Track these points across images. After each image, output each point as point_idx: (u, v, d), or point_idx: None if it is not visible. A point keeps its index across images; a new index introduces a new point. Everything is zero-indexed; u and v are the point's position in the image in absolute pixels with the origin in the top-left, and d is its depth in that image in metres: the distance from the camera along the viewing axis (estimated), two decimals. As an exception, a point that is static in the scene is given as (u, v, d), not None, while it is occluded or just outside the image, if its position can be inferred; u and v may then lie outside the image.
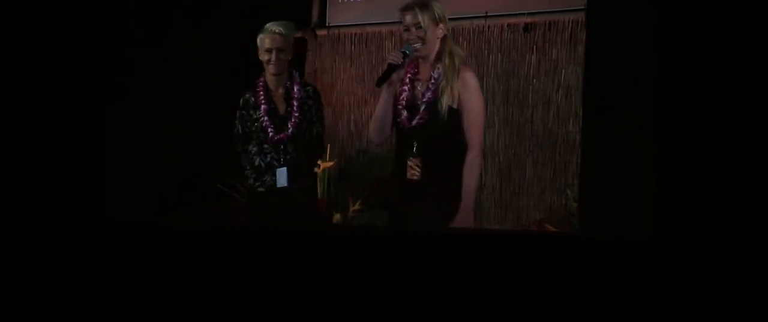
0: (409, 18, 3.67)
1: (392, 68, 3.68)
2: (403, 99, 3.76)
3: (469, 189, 3.79)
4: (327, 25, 4.95)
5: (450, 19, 3.97)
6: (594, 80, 3.99)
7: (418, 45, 3.68)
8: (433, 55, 3.70)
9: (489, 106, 4.60)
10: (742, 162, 3.64)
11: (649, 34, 3.79)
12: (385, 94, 3.75)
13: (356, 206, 4.62)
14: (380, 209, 4.61)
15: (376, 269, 3.95)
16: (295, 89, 4.02)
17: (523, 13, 4.52)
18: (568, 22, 4.43)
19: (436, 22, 3.67)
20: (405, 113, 3.75)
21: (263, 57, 4.06)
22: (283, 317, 4.04)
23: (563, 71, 4.48)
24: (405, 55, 3.65)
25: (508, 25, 4.64)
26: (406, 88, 3.75)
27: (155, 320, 4.16)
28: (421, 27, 3.66)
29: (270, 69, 3.96)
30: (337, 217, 4.62)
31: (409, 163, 3.80)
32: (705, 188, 3.71)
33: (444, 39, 3.69)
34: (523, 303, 3.82)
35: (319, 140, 4.17)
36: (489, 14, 4.59)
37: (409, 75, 3.77)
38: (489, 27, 4.66)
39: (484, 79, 4.64)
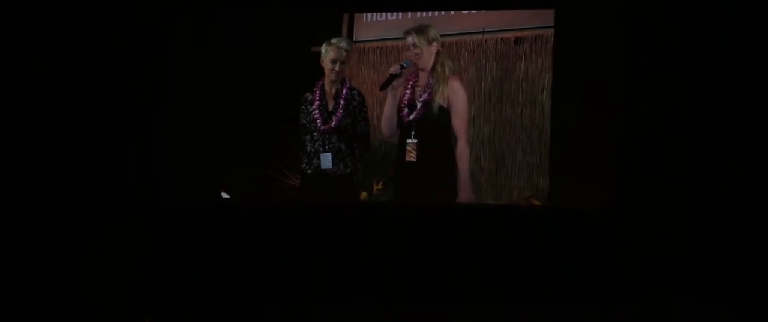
0: (409, 39, 4.37)
1: (392, 77, 4.37)
2: (405, 100, 4.43)
3: (464, 170, 4.46)
4: (354, 40, 5.01)
5: (455, 35, 4.57)
6: (560, 81, 4.62)
7: (414, 60, 4.33)
8: (429, 67, 4.37)
9: (486, 105, 4.81)
10: (684, 148, 4.37)
11: (605, 44, 4.49)
12: (390, 98, 4.39)
13: (379, 186, 4.91)
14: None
15: (396, 236, 4.73)
16: (344, 91, 4.51)
17: (514, 29, 4.79)
18: (550, 36, 4.69)
19: (430, 42, 4.35)
20: (406, 110, 4.42)
21: (327, 65, 4.50)
22: (320, 269, 4.74)
23: (546, 76, 4.73)
24: (402, 68, 4.31)
25: (502, 39, 4.82)
26: (407, 91, 4.45)
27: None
28: (417, 46, 4.35)
29: (331, 76, 4.48)
30: (364, 195, 4.90)
31: (408, 147, 4.44)
32: (655, 167, 4.44)
33: (437, 54, 4.35)
34: (514, 260, 4.60)
35: (364, 136, 4.61)
36: (486, 30, 4.81)
37: (410, 82, 4.42)
38: (486, 40, 4.83)
39: (482, 83, 4.81)
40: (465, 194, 4.54)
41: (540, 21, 4.77)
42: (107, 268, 4.65)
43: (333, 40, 4.59)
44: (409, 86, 4.54)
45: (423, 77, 4.53)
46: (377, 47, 5.02)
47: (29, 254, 4.45)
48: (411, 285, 4.66)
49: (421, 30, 4.45)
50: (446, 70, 4.50)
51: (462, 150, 4.50)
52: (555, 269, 4.51)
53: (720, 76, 4.29)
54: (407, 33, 4.48)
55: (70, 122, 4.77)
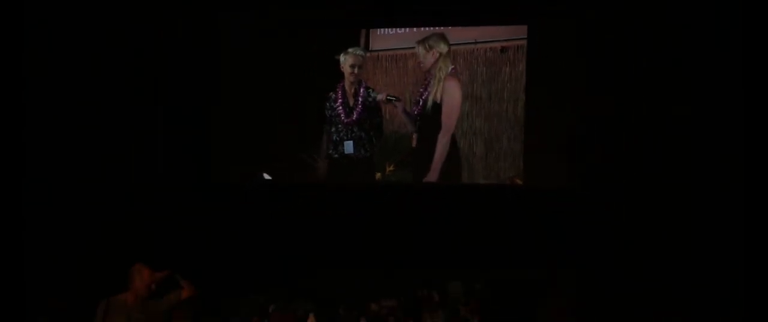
0: (417, 48, 5.23)
1: (389, 101, 5.18)
2: (414, 98, 5.25)
3: (438, 156, 5.25)
4: (370, 49, 5.58)
5: (453, 45, 5.25)
6: (532, 81, 5.33)
7: (420, 66, 5.11)
8: (430, 68, 5.22)
9: (478, 102, 5.42)
10: (633, 137, 5.08)
11: (568, 51, 5.17)
12: (407, 98, 5.22)
13: (391, 168, 5.52)
14: (405, 169, 5.51)
15: (404, 209, 5.39)
16: (361, 91, 5.31)
17: (500, 40, 5.46)
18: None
19: (428, 49, 5.19)
20: (414, 106, 5.30)
21: (346, 70, 5.26)
22: (339, 236, 5.28)
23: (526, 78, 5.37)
24: (397, 100, 5.10)
25: (490, 49, 5.46)
26: (418, 90, 5.24)
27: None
28: (418, 53, 5.19)
29: (350, 78, 5.26)
30: (378, 175, 5.53)
31: (413, 136, 5.27)
32: (613, 152, 5.09)
33: (437, 59, 5.19)
34: (501, 226, 5.25)
35: (378, 126, 5.39)
36: (477, 41, 5.46)
37: (422, 83, 5.24)
38: (478, 49, 5.46)
39: (474, 84, 5.45)
40: (432, 175, 5.30)
41: (521, 34, 5.48)
42: (107, 268, 4.47)
43: (350, 49, 5.35)
44: (421, 87, 5.29)
45: (427, 78, 5.31)
46: (389, 55, 5.63)
47: (29, 254, 4.25)
48: (414, 250, 5.15)
49: (422, 40, 5.27)
50: (442, 72, 5.23)
51: (439, 140, 5.25)
52: (532, 236, 5.15)
53: (662, 74, 4.87)
54: (418, 43, 5.26)
55: (70, 122, 4.75)
